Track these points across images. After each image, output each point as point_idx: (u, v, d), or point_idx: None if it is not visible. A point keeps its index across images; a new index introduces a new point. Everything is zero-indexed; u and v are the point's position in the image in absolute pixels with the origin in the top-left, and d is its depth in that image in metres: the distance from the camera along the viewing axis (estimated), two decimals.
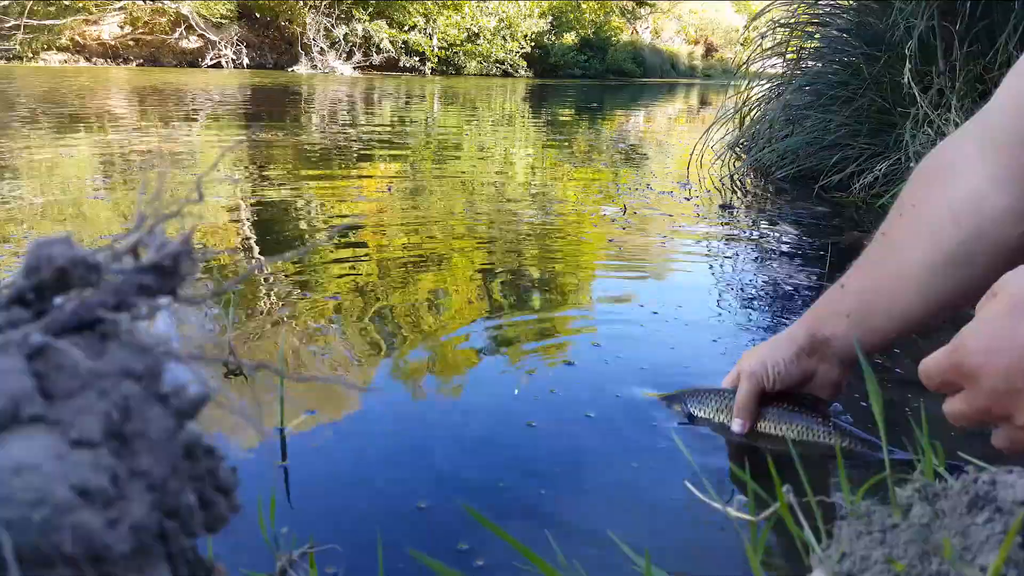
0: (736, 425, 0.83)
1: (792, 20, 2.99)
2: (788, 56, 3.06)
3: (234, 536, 0.64)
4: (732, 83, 3.24)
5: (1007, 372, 0.50)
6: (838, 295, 0.80)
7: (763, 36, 3.10)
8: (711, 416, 0.87)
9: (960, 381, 0.53)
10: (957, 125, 2.08)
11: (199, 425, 0.29)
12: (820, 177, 2.57)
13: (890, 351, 1.08)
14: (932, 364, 0.56)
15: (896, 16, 2.35)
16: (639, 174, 3.03)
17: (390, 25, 12.43)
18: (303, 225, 1.89)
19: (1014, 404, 0.50)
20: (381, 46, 12.32)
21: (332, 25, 12.02)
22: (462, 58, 13.21)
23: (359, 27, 12.04)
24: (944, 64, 2.28)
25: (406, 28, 12.58)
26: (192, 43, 11.58)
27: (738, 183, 2.84)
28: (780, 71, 3.14)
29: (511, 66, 13.63)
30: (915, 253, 0.73)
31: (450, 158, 3.30)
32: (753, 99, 3.22)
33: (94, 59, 10.89)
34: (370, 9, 12.34)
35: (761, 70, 3.23)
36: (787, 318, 1.31)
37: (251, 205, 2.08)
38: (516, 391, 0.97)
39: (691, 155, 3.07)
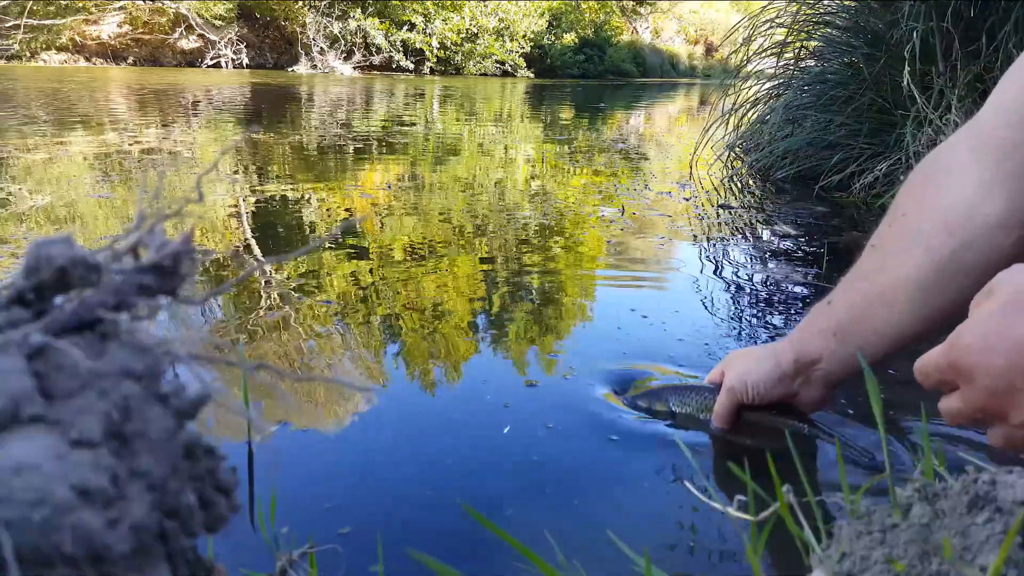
0: (714, 425, 0.86)
1: (791, 20, 2.98)
2: (786, 56, 3.06)
3: (234, 536, 0.64)
4: (730, 82, 3.23)
5: (1003, 370, 0.49)
6: (825, 312, 0.78)
7: (751, 37, 3.09)
8: (692, 413, 0.89)
9: (956, 379, 0.53)
10: (957, 125, 2.08)
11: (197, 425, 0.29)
12: (820, 177, 2.57)
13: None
14: (928, 362, 0.56)
15: (899, 17, 2.35)
16: (638, 174, 3.03)
17: (389, 24, 12.42)
18: (303, 225, 1.89)
19: (1010, 402, 0.50)
20: (380, 45, 12.31)
21: (330, 24, 12.01)
22: (461, 58, 13.20)
23: (356, 24, 12.03)
24: (944, 65, 2.28)
25: (405, 27, 12.57)
26: (192, 43, 11.57)
27: (738, 183, 2.84)
28: (777, 71, 3.14)
29: (511, 66, 13.62)
30: (906, 264, 0.71)
31: (449, 158, 3.30)
32: (752, 99, 3.22)
33: (93, 59, 10.89)
34: (369, 9, 12.33)
35: (759, 69, 3.23)
36: (784, 320, 1.31)
37: (251, 205, 2.08)
38: (512, 393, 0.97)
39: (692, 155, 3.07)
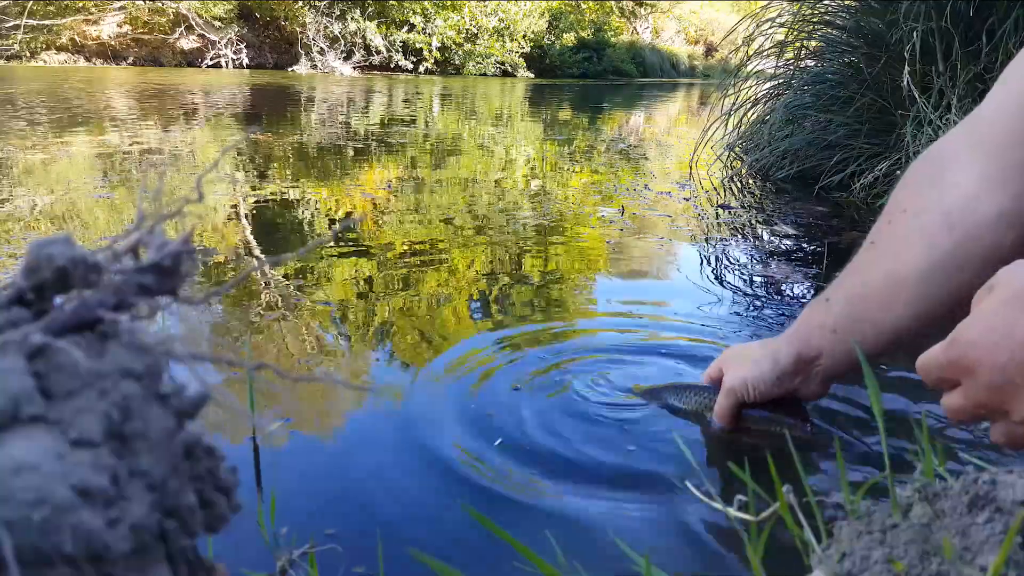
0: (715, 425, 0.86)
1: (791, 20, 2.98)
2: (786, 56, 3.06)
3: (234, 536, 0.64)
4: (730, 82, 3.23)
5: (1005, 367, 0.49)
6: (823, 308, 0.77)
7: (751, 37, 3.09)
8: (692, 412, 0.90)
9: (958, 376, 0.53)
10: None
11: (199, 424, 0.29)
12: (820, 177, 2.57)
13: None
14: (930, 359, 0.56)
15: (899, 17, 2.35)
16: (638, 174, 3.03)
17: (388, 25, 12.42)
18: (303, 224, 1.89)
19: (1012, 399, 0.50)
20: (380, 46, 12.30)
21: (330, 24, 12.00)
22: (461, 58, 13.19)
23: (355, 26, 12.02)
24: (944, 65, 2.28)
25: (405, 28, 12.56)
26: (192, 43, 11.56)
27: (737, 183, 2.84)
28: (776, 71, 3.14)
29: (510, 66, 13.60)
30: (905, 260, 0.71)
31: (449, 158, 3.30)
32: (752, 99, 3.22)
33: (93, 59, 10.88)
34: (369, 9, 12.32)
35: (759, 69, 3.23)
36: (784, 320, 1.31)
37: (251, 205, 2.08)
38: (510, 394, 0.97)
39: (692, 155, 3.07)
